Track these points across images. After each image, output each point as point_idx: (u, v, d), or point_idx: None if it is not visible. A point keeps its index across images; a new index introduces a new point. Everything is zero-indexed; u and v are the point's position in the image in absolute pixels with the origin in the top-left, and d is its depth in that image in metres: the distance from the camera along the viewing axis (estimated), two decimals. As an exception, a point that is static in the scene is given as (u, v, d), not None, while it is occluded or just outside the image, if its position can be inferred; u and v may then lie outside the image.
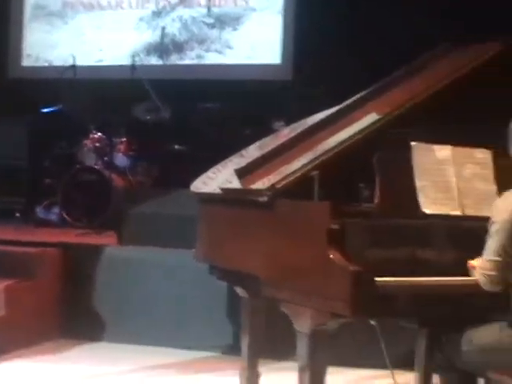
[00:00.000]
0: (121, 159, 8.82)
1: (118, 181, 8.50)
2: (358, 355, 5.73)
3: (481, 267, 3.49)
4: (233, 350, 5.85)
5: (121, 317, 6.38)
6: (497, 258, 3.44)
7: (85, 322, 6.40)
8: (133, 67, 9.30)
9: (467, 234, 3.86)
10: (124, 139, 8.90)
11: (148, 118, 9.17)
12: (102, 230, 7.72)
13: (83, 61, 9.82)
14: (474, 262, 3.68)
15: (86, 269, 6.56)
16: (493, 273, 3.46)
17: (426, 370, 4.17)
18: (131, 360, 5.83)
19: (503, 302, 3.57)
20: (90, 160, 8.73)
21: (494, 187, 4.17)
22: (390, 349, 4.34)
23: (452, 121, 4.23)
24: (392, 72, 4.60)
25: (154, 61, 10.53)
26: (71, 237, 7.47)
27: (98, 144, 8.77)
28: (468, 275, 3.66)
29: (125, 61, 9.92)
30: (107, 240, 7.21)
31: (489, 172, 4.20)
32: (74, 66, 9.42)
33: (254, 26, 10.25)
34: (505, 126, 3.90)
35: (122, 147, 8.87)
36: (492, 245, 3.46)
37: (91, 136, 8.81)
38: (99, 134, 8.84)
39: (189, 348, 6.16)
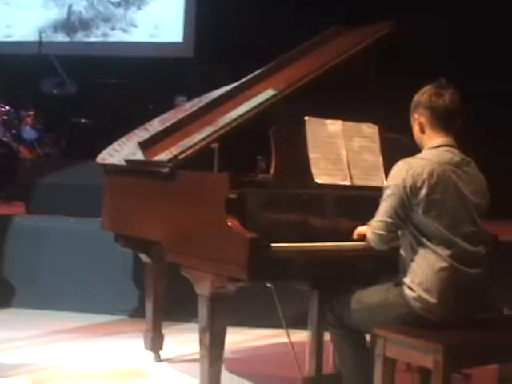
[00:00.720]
0: (28, 132, 8.76)
1: (25, 153, 8.53)
2: (255, 316, 5.78)
3: (373, 227, 3.57)
4: (139, 313, 5.85)
5: (30, 283, 6.29)
6: (388, 219, 3.51)
7: (-6, 288, 6.31)
8: (40, 43, 9.17)
9: (356, 202, 3.95)
10: (31, 113, 8.82)
11: (55, 92, 9.10)
12: (10, 201, 7.63)
13: (-9, 36, 9.65)
14: (361, 229, 3.78)
15: (-6, 237, 6.46)
16: (383, 232, 3.53)
17: (318, 328, 4.26)
18: (40, 324, 5.76)
19: (390, 265, 3.66)
20: (-1, 133, 8.62)
21: (380, 159, 4.27)
22: (285, 309, 4.38)
23: (342, 97, 4.29)
24: (288, 51, 4.64)
25: (61, 37, 10.41)
26: (-19, 207, 7.36)
27: (5, 117, 8.69)
28: (356, 241, 3.74)
29: (32, 37, 9.77)
30: (16, 210, 7.12)
31: (376, 145, 4.29)
32: (-18, 42, 9.23)
33: (158, 5, 10.21)
34: (391, 103, 3.98)
35: (29, 120, 8.82)
36: (384, 207, 3.53)
37: (-1, 109, 8.71)
38: (7, 107, 8.72)
39: (96, 312, 6.13)
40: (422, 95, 3.65)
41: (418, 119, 3.65)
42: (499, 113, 7.98)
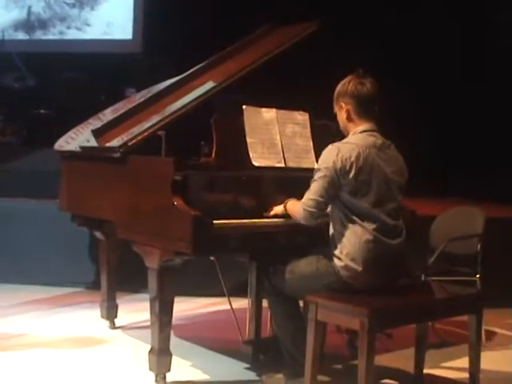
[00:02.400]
0: (-9, 123, 8.59)
1: (-13, 141, 8.32)
2: (200, 286, 5.76)
3: (304, 204, 3.55)
4: (95, 285, 5.79)
5: (-6, 260, 6.19)
6: (318, 198, 3.51)
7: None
8: (2, 41, 8.99)
9: (289, 182, 3.94)
10: (-6, 104, 8.66)
11: (16, 86, 8.96)
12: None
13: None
14: (277, 208, 3.78)
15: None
16: (314, 210, 3.53)
17: (257, 296, 4.26)
18: (4, 297, 5.67)
19: (320, 238, 3.66)
20: (-37, 124, 8.46)
21: (310, 143, 4.27)
22: (227, 279, 4.39)
23: (276, 88, 4.29)
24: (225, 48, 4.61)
25: (21, 36, 10.26)
26: None
27: (-31, 109, 8.51)
28: (288, 218, 3.73)
29: (-6, 36, 9.60)
30: (-21, 193, 6.97)
31: (307, 131, 4.29)
32: None
33: (109, 6, 10.14)
34: (319, 92, 3.98)
35: (-8, 112, 8.64)
36: (315, 187, 3.52)
37: (-37, 102, 8.55)
38: (-29, 100, 8.57)
39: (56, 285, 6.06)
40: (348, 85, 3.63)
41: (345, 107, 3.63)
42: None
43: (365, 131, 3.59)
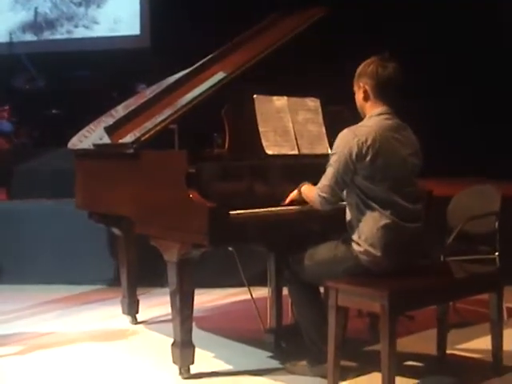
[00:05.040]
0: (5, 125, 8.75)
1: (3, 144, 8.46)
2: (220, 277, 5.77)
3: (320, 189, 3.55)
4: (115, 281, 5.82)
5: (14, 261, 6.21)
6: (333, 184, 3.51)
7: (-18, 268, 6.23)
8: (10, 44, 9.04)
9: (303, 169, 3.93)
10: (7, 107, 8.78)
11: (27, 87, 9.02)
12: (-8, 189, 7.55)
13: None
14: (293, 194, 3.78)
15: (-19, 223, 6.37)
16: (329, 195, 3.53)
17: (277, 284, 4.28)
18: (27, 298, 5.71)
19: (337, 224, 3.66)
20: (-23, 128, 8.57)
21: (323, 129, 4.26)
22: (246, 269, 4.39)
23: (286, 76, 4.28)
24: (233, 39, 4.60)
25: (30, 37, 10.32)
26: (-34, 196, 7.27)
27: (-17, 113, 8.61)
28: (304, 204, 3.73)
29: (3, 38, 9.67)
30: (-2, 196, 7.04)
31: (318, 117, 4.28)
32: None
33: (115, 2, 10.18)
34: (330, 78, 3.97)
35: (5, 114, 8.80)
36: (331, 172, 3.52)
37: (-24, 106, 8.66)
38: (-16, 104, 8.67)
39: (76, 283, 6.08)
40: (369, 66, 3.61)
41: (364, 87, 3.62)
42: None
43: (381, 114, 3.57)
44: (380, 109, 3.58)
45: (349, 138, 3.48)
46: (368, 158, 3.44)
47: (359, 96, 3.66)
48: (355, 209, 3.55)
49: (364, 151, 3.44)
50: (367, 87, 3.60)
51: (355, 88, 3.68)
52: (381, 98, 3.59)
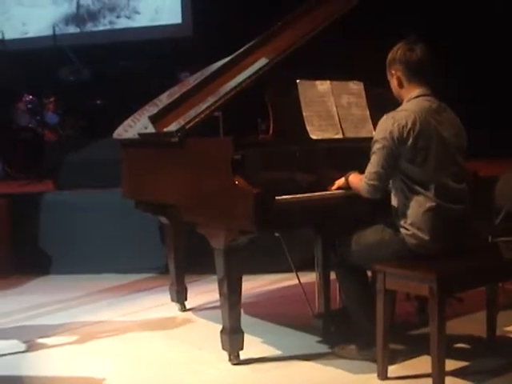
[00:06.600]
0: (51, 116, 8.86)
1: (49, 136, 8.62)
2: (267, 263, 5.78)
3: (367, 177, 3.56)
4: (164, 270, 5.85)
5: (64, 251, 6.31)
6: (380, 170, 3.51)
7: (33, 259, 6.32)
8: (54, 37, 9.14)
9: (348, 153, 3.93)
10: (52, 99, 8.91)
11: (71, 79, 9.14)
12: (40, 180, 7.66)
13: (10, 35, 9.69)
14: (340, 181, 3.79)
15: (29, 213, 6.46)
16: (376, 182, 3.53)
17: (324, 269, 4.28)
18: (77, 287, 5.80)
19: (383, 207, 3.66)
20: (25, 120, 8.72)
21: (367, 112, 4.26)
22: (293, 254, 4.40)
23: (328, 60, 4.26)
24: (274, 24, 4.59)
25: (73, 29, 10.44)
26: (15, 188, 7.40)
27: (29, 106, 8.77)
28: (349, 189, 3.74)
29: (47, 32, 9.79)
30: (45, 187, 7.13)
31: (362, 100, 4.28)
32: (2, 41, 9.25)
33: (156, -8, 10.23)
34: (371, 61, 3.96)
35: (51, 106, 8.92)
36: (375, 159, 3.52)
37: (23, 99, 8.80)
38: (30, 96, 8.79)
39: (125, 272, 6.16)
40: (397, 52, 3.62)
41: (396, 74, 3.63)
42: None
43: (419, 96, 3.57)
44: (417, 91, 3.58)
45: (388, 124, 3.49)
46: (409, 142, 3.44)
47: (394, 83, 3.67)
48: (400, 193, 3.55)
49: (405, 135, 3.44)
50: (399, 73, 3.61)
51: (388, 77, 3.70)
52: (415, 81, 3.59)
